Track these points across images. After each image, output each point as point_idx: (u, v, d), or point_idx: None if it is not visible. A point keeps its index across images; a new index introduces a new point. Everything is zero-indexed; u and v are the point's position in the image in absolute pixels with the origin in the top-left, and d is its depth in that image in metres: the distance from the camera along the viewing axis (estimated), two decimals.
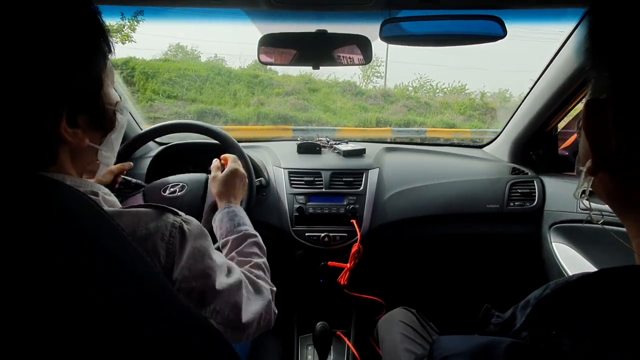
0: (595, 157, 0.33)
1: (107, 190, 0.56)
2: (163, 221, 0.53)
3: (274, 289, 0.74)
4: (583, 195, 0.36)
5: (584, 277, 0.32)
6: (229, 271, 0.63)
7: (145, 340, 0.42)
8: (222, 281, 0.59)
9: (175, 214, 0.55)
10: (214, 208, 0.96)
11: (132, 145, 1.11)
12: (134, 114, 1.44)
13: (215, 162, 0.99)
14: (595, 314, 0.28)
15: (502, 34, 0.91)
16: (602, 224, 0.40)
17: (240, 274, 0.65)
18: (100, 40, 0.50)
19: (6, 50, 0.41)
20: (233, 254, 0.78)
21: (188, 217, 0.57)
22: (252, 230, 0.83)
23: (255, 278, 0.69)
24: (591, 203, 0.38)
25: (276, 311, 0.71)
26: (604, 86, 0.32)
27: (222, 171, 0.95)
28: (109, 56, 0.54)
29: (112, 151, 0.58)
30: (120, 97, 0.59)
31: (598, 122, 0.32)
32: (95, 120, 0.52)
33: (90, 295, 0.39)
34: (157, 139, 1.47)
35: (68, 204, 0.42)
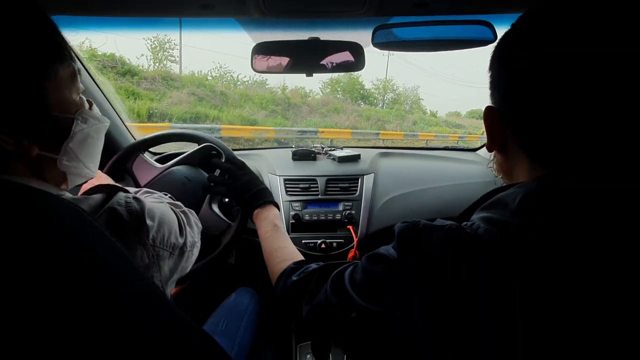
0: (489, 141, 0.52)
1: (66, 193, 0.56)
2: (117, 196, 0.56)
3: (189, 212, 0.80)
4: (490, 166, 0.59)
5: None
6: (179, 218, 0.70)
7: (134, 345, 0.41)
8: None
9: (125, 190, 0.59)
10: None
11: (124, 157, 1.11)
12: (127, 125, 1.43)
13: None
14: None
15: (492, 38, 0.92)
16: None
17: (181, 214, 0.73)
18: (45, 48, 0.48)
19: None
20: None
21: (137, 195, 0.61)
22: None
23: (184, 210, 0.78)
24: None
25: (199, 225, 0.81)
26: (497, 100, 0.50)
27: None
28: (69, 62, 0.52)
29: (77, 160, 0.55)
30: (92, 104, 0.58)
31: (491, 120, 0.50)
32: (41, 129, 0.50)
33: (83, 299, 0.38)
34: (152, 149, 1.46)
35: (55, 211, 0.42)
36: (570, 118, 0.40)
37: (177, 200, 1.05)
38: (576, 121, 0.40)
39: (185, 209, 0.78)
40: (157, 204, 0.65)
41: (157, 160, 1.31)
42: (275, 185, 1.34)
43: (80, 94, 0.56)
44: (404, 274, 0.45)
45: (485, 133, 0.52)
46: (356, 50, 1.07)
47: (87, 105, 0.57)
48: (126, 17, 0.90)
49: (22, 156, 0.48)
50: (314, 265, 0.67)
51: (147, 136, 1.18)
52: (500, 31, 0.89)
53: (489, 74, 0.52)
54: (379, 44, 0.97)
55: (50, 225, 0.40)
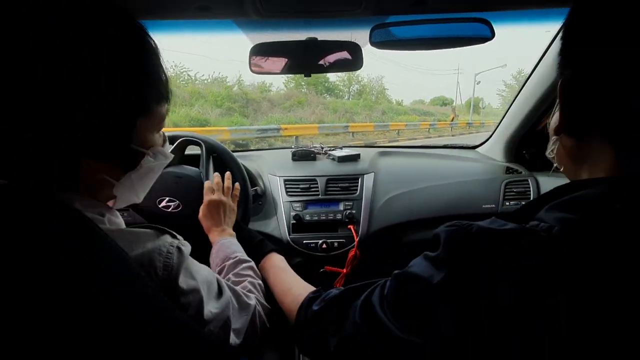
0: (562, 121, 0.46)
1: (115, 212, 0.56)
2: (161, 240, 0.54)
3: (268, 306, 0.74)
4: (551, 153, 0.52)
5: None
6: (220, 289, 0.64)
7: (143, 356, 0.42)
8: (213, 303, 0.60)
9: (174, 236, 0.57)
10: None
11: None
12: None
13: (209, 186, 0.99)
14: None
15: (489, 35, 0.92)
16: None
17: (229, 292, 0.65)
18: (152, 90, 0.50)
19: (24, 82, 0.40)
20: (229, 275, 0.79)
21: (184, 241, 0.58)
22: (246, 257, 0.85)
23: (241, 293, 0.69)
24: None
25: (267, 325, 0.71)
26: (570, 73, 0.44)
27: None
28: (165, 104, 0.53)
29: (132, 190, 0.56)
30: (166, 141, 0.59)
31: (568, 96, 0.44)
32: (115, 157, 0.51)
33: (79, 315, 0.38)
34: None
35: (54, 224, 0.42)
36: None
37: (177, 199, 1.05)
38: None
39: (258, 309, 0.71)
40: (199, 266, 0.61)
41: None
42: (276, 185, 1.34)
43: (161, 132, 0.57)
44: (450, 298, 0.38)
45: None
46: (354, 49, 1.07)
47: (161, 141, 0.57)
48: None
49: (86, 174, 0.49)
50: (334, 291, 0.60)
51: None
52: (498, 29, 0.89)
53: (561, 38, 0.45)
54: (377, 43, 0.97)
55: (66, 246, 0.40)
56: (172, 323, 0.47)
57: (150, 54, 0.49)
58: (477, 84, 30.41)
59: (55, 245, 0.39)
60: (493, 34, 0.91)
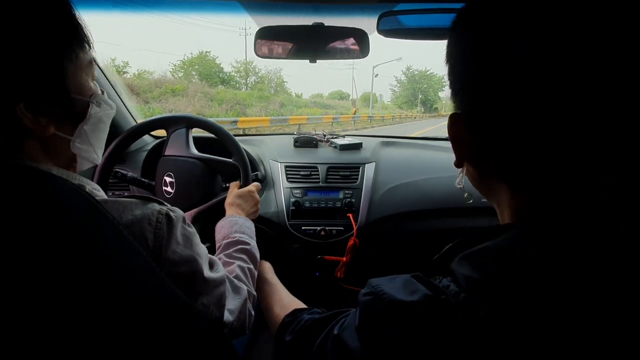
0: (457, 154, 0.44)
1: (95, 186, 0.56)
2: (149, 208, 0.54)
3: (254, 293, 0.74)
4: (460, 184, 0.50)
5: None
6: (212, 265, 0.64)
7: (139, 329, 0.42)
8: (207, 272, 0.60)
9: (161, 203, 0.57)
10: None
11: (126, 139, 1.11)
12: (129, 107, 1.43)
13: (236, 183, 1.05)
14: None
15: None
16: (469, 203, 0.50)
17: (223, 272, 0.65)
18: (68, 32, 0.50)
19: None
20: (220, 255, 0.79)
21: (173, 207, 0.58)
22: (246, 239, 0.84)
23: (233, 278, 0.70)
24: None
25: (252, 313, 0.71)
26: (459, 102, 0.41)
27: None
28: (87, 49, 0.53)
29: (88, 144, 0.57)
30: (104, 92, 0.59)
31: (456, 129, 0.42)
32: (62, 110, 0.52)
33: (82, 287, 0.39)
34: (153, 133, 1.46)
35: (61, 196, 0.42)
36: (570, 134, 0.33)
37: (176, 187, 1.06)
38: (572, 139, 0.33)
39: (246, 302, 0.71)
40: (189, 231, 0.60)
41: (159, 144, 1.31)
42: (276, 171, 1.34)
43: (94, 81, 0.57)
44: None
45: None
46: (360, 36, 1.06)
47: (100, 91, 0.58)
48: None
49: (37, 135, 0.50)
50: (305, 317, 0.61)
51: (147, 119, 1.17)
52: None
53: (446, 65, 0.43)
54: (384, 31, 0.96)
55: (55, 208, 0.41)
56: (165, 295, 0.48)
57: (65, 2, 0.50)
58: (375, 76, 29.91)
59: (56, 214, 0.40)
60: None
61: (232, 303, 0.65)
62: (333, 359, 0.44)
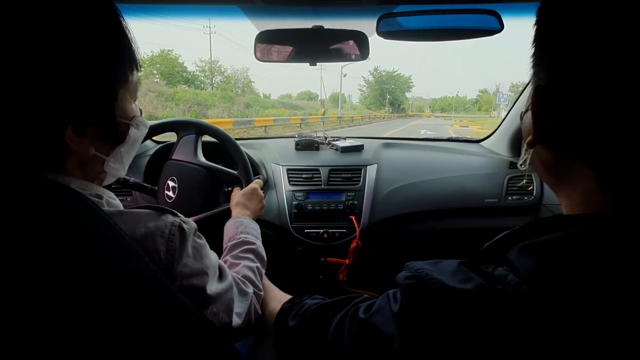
0: (536, 132, 0.40)
1: (111, 194, 0.56)
2: (162, 221, 0.54)
3: (261, 292, 0.74)
4: (523, 165, 0.45)
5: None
6: (221, 273, 0.64)
7: (145, 339, 0.42)
8: (216, 284, 0.61)
9: (175, 214, 0.57)
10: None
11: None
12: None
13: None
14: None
15: (499, 27, 0.91)
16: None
17: (231, 277, 0.66)
18: (120, 56, 0.50)
19: (16, 54, 0.41)
20: (227, 257, 0.79)
21: (186, 218, 0.59)
22: (252, 239, 0.84)
23: (240, 280, 0.70)
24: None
25: (260, 311, 0.71)
26: (545, 76, 0.38)
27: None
28: (135, 72, 0.54)
29: (120, 163, 0.57)
30: (142, 112, 0.59)
31: (542, 104, 0.38)
32: (105, 132, 0.52)
33: (87, 297, 0.39)
34: (155, 137, 1.46)
35: (69, 208, 0.43)
36: None
37: (178, 192, 1.07)
38: None
39: (254, 302, 0.71)
40: (206, 248, 0.61)
41: (161, 148, 1.32)
42: (278, 175, 1.34)
43: (136, 102, 0.58)
44: (407, 340, 0.36)
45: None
46: (360, 39, 1.06)
47: (139, 112, 0.58)
48: (125, 4, 0.89)
49: (78, 155, 0.50)
50: (308, 302, 0.59)
51: (150, 124, 1.18)
52: (507, 21, 0.88)
53: (534, 27, 0.39)
54: (384, 33, 0.96)
55: (54, 220, 0.41)
56: (174, 306, 0.48)
57: (122, 24, 0.50)
58: (343, 76, 29.58)
59: (59, 227, 0.40)
60: (502, 26, 0.90)
61: (239, 306, 0.65)
62: (360, 344, 0.42)
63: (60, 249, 0.39)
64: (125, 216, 0.51)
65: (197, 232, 0.60)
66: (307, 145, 1.52)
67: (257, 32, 1.05)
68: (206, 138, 1.17)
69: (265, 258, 0.84)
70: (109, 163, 0.55)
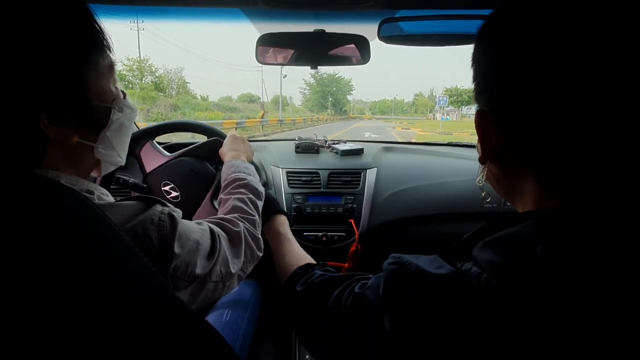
0: (483, 150, 0.44)
1: (104, 191, 0.56)
2: (152, 209, 0.55)
3: (255, 217, 0.78)
4: (480, 182, 0.50)
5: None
6: (213, 248, 0.65)
7: (141, 339, 0.42)
8: (206, 261, 0.62)
9: (163, 204, 0.57)
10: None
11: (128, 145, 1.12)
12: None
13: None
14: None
15: None
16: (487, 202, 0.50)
17: (220, 234, 0.68)
18: (88, 38, 0.50)
19: None
20: (221, 195, 0.83)
21: (175, 208, 0.59)
22: (242, 176, 0.87)
23: (228, 223, 0.72)
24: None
25: (257, 235, 0.76)
26: (485, 100, 0.43)
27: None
28: (107, 54, 0.53)
29: (111, 148, 0.57)
30: (125, 95, 0.59)
31: (484, 125, 0.43)
32: (83, 117, 0.52)
33: (84, 294, 0.39)
34: (156, 139, 1.47)
35: (62, 203, 0.42)
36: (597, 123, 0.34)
37: (180, 190, 1.07)
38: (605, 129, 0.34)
39: (250, 236, 0.75)
40: (191, 226, 0.62)
41: (165, 149, 1.32)
42: (278, 177, 1.35)
43: (117, 85, 0.58)
44: (383, 317, 0.40)
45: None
46: (361, 43, 1.07)
47: (121, 95, 0.58)
48: (133, 6, 0.90)
49: (61, 144, 0.50)
50: (317, 272, 0.64)
51: (150, 125, 1.18)
52: None
53: (472, 67, 0.45)
54: (385, 37, 0.96)
55: (49, 217, 0.40)
56: (164, 299, 0.48)
57: (83, 6, 0.50)
58: (283, 77, 29.46)
59: (51, 221, 0.40)
60: None
61: (234, 255, 0.69)
62: (353, 315, 0.46)
63: (59, 247, 0.39)
64: (116, 208, 0.52)
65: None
66: (307, 148, 1.52)
67: (259, 34, 1.06)
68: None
69: (260, 190, 0.87)
70: (98, 149, 0.55)
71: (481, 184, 0.50)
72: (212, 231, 0.66)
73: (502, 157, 0.43)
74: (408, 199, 1.34)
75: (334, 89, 68.74)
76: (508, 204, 1.34)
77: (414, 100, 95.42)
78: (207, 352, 0.51)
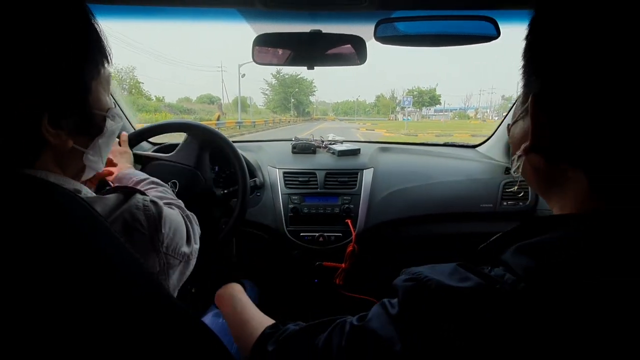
0: (533, 139, 0.40)
1: (90, 190, 0.58)
2: (134, 198, 0.57)
3: (179, 203, 0.80)
4: (516, 172, 0.46)
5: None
6: (185, 219, 0.70)
7: (141, 339, 0.42)
8: (192, 240, 0.68)
9: (143, 193, 0.60)
10: None
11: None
12: (127, 114, 1.43)
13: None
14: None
15: (495, 34, 0.91)
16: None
17: (187, 219, 0.71)
18: (91, 49, 0.51)
19: None
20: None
21: (154, 198, 0.62)
22: (142, 177, 0.88)
23: (173, 206, 0.74)
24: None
25: (179, 202, 0.79)
26: (540, 85, 0.39)
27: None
28: (106, 64, 0.54)
29: (99, 156, 0.59)
30: (116, 104, 0.60)
31: (541, 112, 0.39)
32: (81, 124, 0.53)
33: (83, 294, 0.39)
34: (151, 140, 1.46)
35: (59, 202, 0.43)
36: None
37: (177, 186, 1.07)
38: None
39: (188, 212, 0.78)
40: (169, 210, 0.65)
41: (157, 151, 1.32)
42: (275, 178, 1.34)
43: (110, 94, 0.59)
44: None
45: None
46: (358, 43, 1.07)
47: (112, 104, 0.59)
48: (130, 6, 0.89)
49: (57, 148, 0.50)
50: (291, 327, 0.56)
51: (146, 126, 1.18)
52: (504, 28, 0.89)
53: (523, 57, 0.41)
54: (381, 38, 0.96)
55: (61, 223, 0.41)
56: (152, 288, 0.48)
57: (91, 18, 0.51)
58: (242, 76, 29.19)
59: (48, 218, 0.40)
60: (499, 33, 0.91)
61: (196, 241, 0.72)
62: (353, 353, 0.42)
63: (57, 243, 0.39)
64: (100, 201, 0.53)
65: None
66: (303, 149, 1.52)
67: (255, 35, 1.06)
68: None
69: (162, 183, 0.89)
70: (87, 156, 0.56)
71: (517, 174, 0.47)
72: (181, 213, 0.71)
73: (552, 149, 0.39)
74: (405, 199, 1.34)
75: (297, 90, 68.27)
76: (505, 204, 1.35)
77: (375, 102, 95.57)
78: (204, 353, 0.51)
